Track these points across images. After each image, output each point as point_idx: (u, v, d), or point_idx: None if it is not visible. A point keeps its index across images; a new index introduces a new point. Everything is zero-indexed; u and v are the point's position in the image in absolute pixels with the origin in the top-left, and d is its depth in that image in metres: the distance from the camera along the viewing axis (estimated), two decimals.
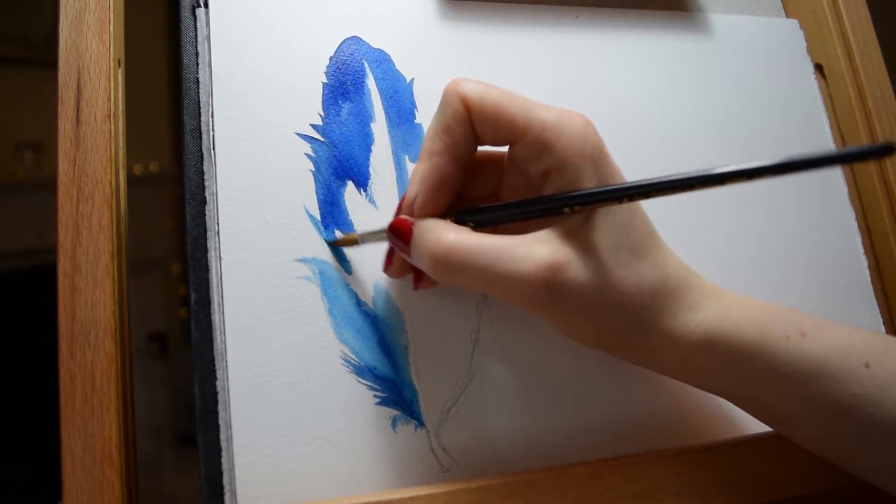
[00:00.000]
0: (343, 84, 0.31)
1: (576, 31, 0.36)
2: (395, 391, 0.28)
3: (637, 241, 0.26)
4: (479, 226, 0.26)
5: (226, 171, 0.29)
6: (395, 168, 0.31)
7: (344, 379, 0.28)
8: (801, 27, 0.42)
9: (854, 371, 0.24)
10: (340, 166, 0.30)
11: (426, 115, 0.32)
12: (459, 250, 0.25)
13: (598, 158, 0.25)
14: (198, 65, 0.30)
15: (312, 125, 0.30)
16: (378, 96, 0.32)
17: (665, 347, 0.26)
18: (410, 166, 0.31)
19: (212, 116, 0.29)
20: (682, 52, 0.38)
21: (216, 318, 0.27)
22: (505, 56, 0.35)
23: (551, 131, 0.25)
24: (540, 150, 0.25)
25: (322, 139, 0.30)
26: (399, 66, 0.33)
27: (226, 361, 0.27)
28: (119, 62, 0.30)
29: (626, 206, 0.26)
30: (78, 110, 0.28)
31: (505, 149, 0.28)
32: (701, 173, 0.22)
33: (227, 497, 0.25)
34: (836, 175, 0.39)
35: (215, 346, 0.27)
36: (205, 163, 0.29)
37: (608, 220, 0.25)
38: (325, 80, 0.31)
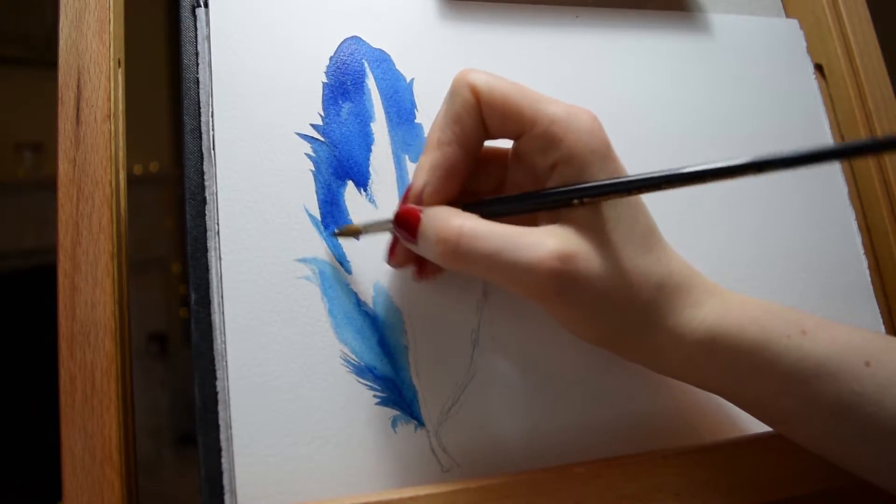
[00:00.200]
0: (343, 84, 0.31)
1: (576, 31, 0.36)
2: (395, 391, 0.28)
3: (641, 237, 0.26)
4: (487, 218, 0.26)
5: (226, 171, 0.29)
6: (396, 168, 0.31)
7: (344, 379, 0.28)
8: (801, 27, 0.42)
9: (854, 370, 0.24)
10: (340, 166, 0.30)
11: (426, 114, 0.32)
12: (470, 235, 0.24)
13: (604, 153, 0.25)
14: (198, 65, 0.30)
15: (312, 125, 0.30)
16: (378, 96, 0.32)
17: (667, 345, 0.26)
18: (411, 166, 0.31)
19: (212, 116, 0.29)
20: (682, 52, 0.38)
21: (216, 318, 0.27)
22: (505, 56, 0.35)
23: (559, 125, 0.25)
24: (547, 144, 0.25)
25: (322, 139, 0.30)
26: (399, 66, 0.33)
27: (226, 361, 0.27)
28: (119, 62, 0.30)
29: (631, 203, 0.26)
30: (78, 110, 0.28)
31: (508, 145, 0.28)
32: (712, 166, 0.23)
33: (227, 497, 0.25)
34: (836, 175, 0.39)
35: (215, 346, 0.27)
36: (205, 163, 0.29)
37: (614, 216, 0.25)
38: (325, 80, 0.31)
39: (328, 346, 0.28)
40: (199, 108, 0.29)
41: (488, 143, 0.28)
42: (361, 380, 0.28)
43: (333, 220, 0.30)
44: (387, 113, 0.32)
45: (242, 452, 0.26)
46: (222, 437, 0.26)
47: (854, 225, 0.39)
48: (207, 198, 0.28)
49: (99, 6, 0.29)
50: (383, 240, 0.30)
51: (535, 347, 0.31)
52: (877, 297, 0.38)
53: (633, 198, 0.26)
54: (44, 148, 1.73)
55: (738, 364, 0.26)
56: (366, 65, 0.32)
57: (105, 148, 0.28)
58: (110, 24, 0.30)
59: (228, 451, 0.26)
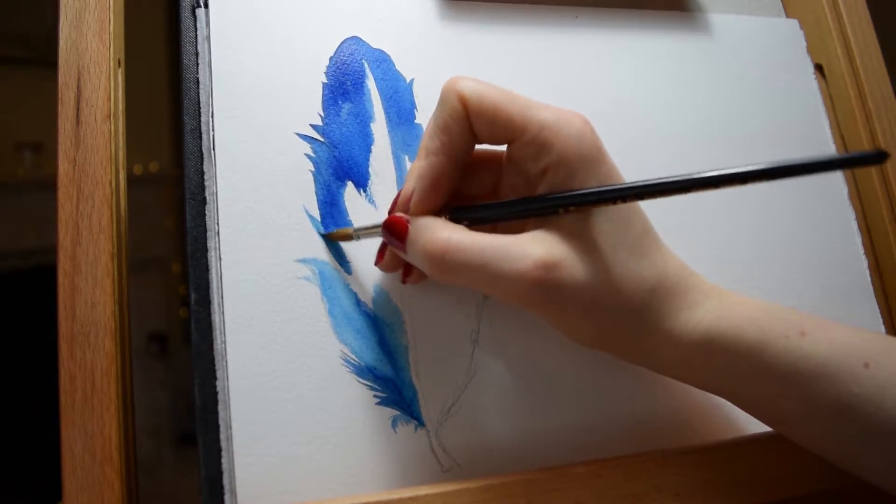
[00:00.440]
0: (343, 84, 0.31)
1: (576, 31, 0.36)
2: (395, 391, 0.28)
3: (635, 240, 0.26)
4: (475, 224, 0.26)
5: (226, 171, 0.29)
6: (395, 168, 0.31)
7: (344, 379, 0.28)
8: (801, 27, 0.42)
9: (853, 371, 0.24)
10: (340, 167, 0.30)
11: (426, 115, 0.32)
12: (455, 249, 0.25)
13: (595, 158, 0.25)
14: (198, 65, 0.30)
15: (312, 125, 0.30)
16: (378, 96, 0.32)
17: (664, 347, 0.26)
18: (408, 170, 0.31)
19: (212, 116, 0.29)
20: (682, 52, 0.38)
21: (216, 318, 0.27)
22: (505, 56, 0.35)
23: (549, 130, 0.25)
24: (538, 150, 0.25)
25: (322, 139, 0.30)
26: (399, 67, 0.33)
27: (226, 361, 0.27)
28: (119, 62, 0.30)
29: (624, 207, 0.26)
30: (78, 110, 0.28)
31: (504, 148, 0.28)
32: (696, 176, 0.23)
33: (227, 497, 0.25)
34: (835, 175, 0.39)
35: (215, 346, 0.27)
36: (205, 163, 0.29)
37: (606, 220, 0.25)
38: (324, 81, 0.31)
39: (328, 346, 0.28)
40: (199, 108, 0.29)
41: (482, 147, 0.28)
42: (361, 380, 0.28)
43: (333, 221, 0.30)
44: (386, 113, 0.32)
45: (242, 452, 0.26)
46: (222, 437, 0.26)
47: (854, 225, 0.39)
48: (207, 198, 0.28)
49: (99, 6, 0.29)
50: (381, 240, 0.30)
51: (535, 348, 0.31)
52: (877, 297, 0.38)
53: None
54: (44, 148, 1.73)
55: (736, 365, 0.26)
56: (366, 65, 0.32)
57: (105, 148, 0.28)
58: (110, 24, 0.30)
59: (228, 451, 0.26)
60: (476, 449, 0.29)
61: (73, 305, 0.26)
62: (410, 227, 0.26)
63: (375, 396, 0.28)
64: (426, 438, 0.28)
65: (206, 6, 0.30)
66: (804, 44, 0.41)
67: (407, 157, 0.31)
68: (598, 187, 0.25)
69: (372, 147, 0.31)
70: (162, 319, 1.80)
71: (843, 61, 0.41)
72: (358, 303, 0.29)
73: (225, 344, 0.27)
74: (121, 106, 0.30)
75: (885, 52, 0.41)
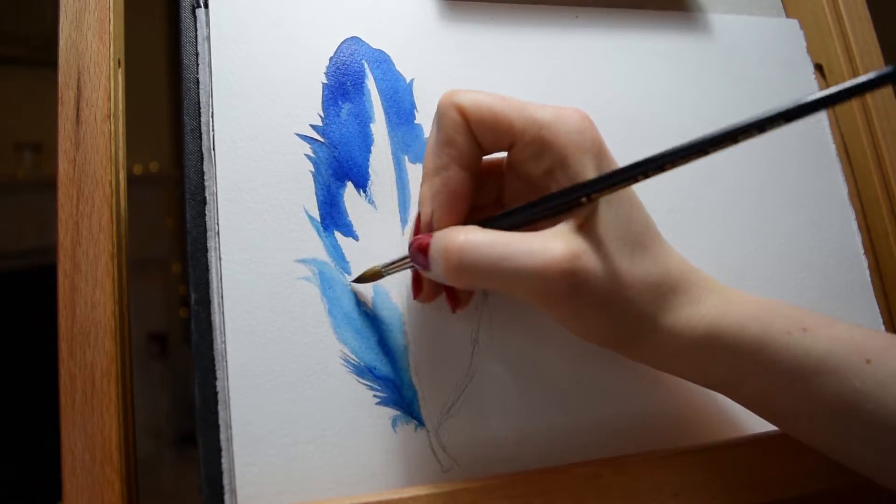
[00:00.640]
0: (343, 84, 0.31)
1: (576, 31, 0.36)
2: (395, 391, 0.28)
3: (638, 235, 0.26)
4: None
5: (226, 171, 0.29)
6: (395, 169, 0.31)
7: (344, 379, 0.28)
8: (801, 27, 0.42)
9: (855, 367, 0.24)
10: (340, 167, 0.30)
11: (426, 115, 0.32)
12: (472, 247, 0.24)
13: (597, 151, 0.25)
14: (198, 65, 0.30)
15: (312, 126, 0.30)
16: (378, 97, 0.32)
17: (667, 342, 0.26)
18: (410, 167, 0.31)
19: (212, 116, 0.29)
20: (682, 52, 0.38)
21: (216, 318, 0.27)
22: (505, 56, 0.35)
23: (549, 129, 0.25)
24: (539, 149, 0.25)
25: (322, 140, 0.30)
26: (399, 67, 0.33)
27: (226, 361, 0.27)
28: (119, 62, 0.30)
29: (626, 202, 0.26)
30: (78, 110, 0.28)
31: (502, 156, 0.28)
32: (714, 134, 0.22)
33: (227, 497, 0.25)
34: (836, 175, 0.39)
35: (215, 346, 0.27)
36: (205, 163, 0.29)
37: (611, 215, 0.25)
38: (324, 81, 0.31)
39: (328, 346, 0.28)
40: (199, 108, 0.29)
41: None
42: (361, 380, 0.28)
43: (333, 221, 0.30)
44: (386, 114, 0.32)
45: (242, 452, 0.26)
46: (222, 437, 0.26)
47: (854, 225, 0.39)
48: (207, 198, 0.28)
49: (99, 6, 0.29)
50: (381, 240, 0.30)
51: (535, 348, 0.31)
52: (877, 297, 0.38)
53: (628, 198, 0.26)
54: (44, 148, 1.73)
55: (738, 361, 0.26)
56: (365, 65, 0.32)
57: (105, 148, 0.28)
58: (110, 24, 0.30)
59: (228, 451, 0.26)
60: (476, 449, 0.29)
61: (73, 305, 0.26)
62: (431, 240, 0.26)
63: (375, 396, 0.28)
64: (426, 438, 0.28)
65: (206, 6, 0.30)
66: (804, 44, 0.41)
67: (407, 158, 0.31)
68: (620, 167, 0.24)
69: (372, 147, 0.31)
70: (162, 319, 1.80)
71: (843, 61, 0.41)
72: (358, 303, 0.29)
73: (225, 344, 0.27)
74: (121, 106, 0.30)
75: (885, 52, 0.41)
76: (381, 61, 0.32)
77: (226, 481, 0.25)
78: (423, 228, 0.27)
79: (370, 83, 0.32)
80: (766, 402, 0.27)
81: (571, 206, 0.25)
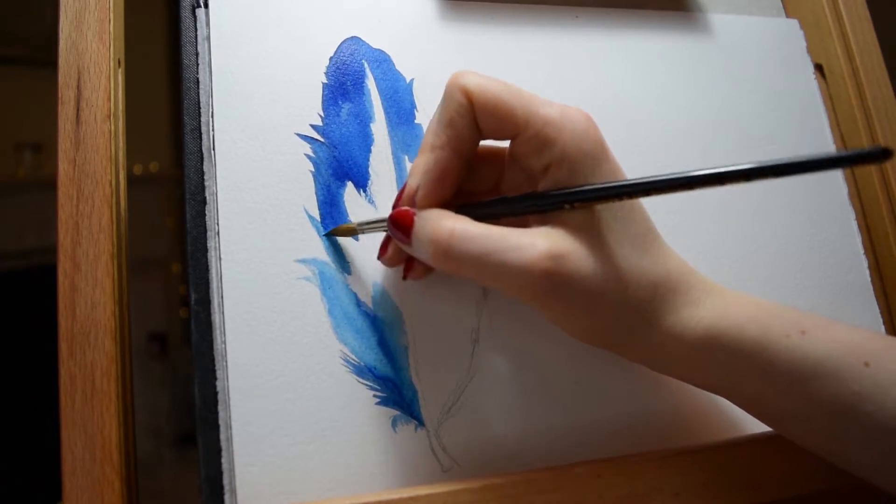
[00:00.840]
0: (343, 84, 0.31)
1: (576, 31, 0.36)
2: (395, 391, 0.28)
3: (637, 236, 0.26)
4: (480, 220, 0.26)
5: (226, 171, 0.29)
6: (395, 169, 0.31)
7: (344, 379, 0.28)
8: (801, 27, 0.42)
9: (854, 370, 0.24)
10: (340, 167, 0.30)
11: (426, 115, 0.32)
12: (460, 237, 0.25)
13: (598, 155, 0.25)
14: (198, 65, 0.30)
15: (312, 125, 0.30)
16: (378, 97, 0.32)
17: (665, 344, 0.26)
18: (410, 167, 0.31)
19: (212, 116, 0.29)
20: (682, 52, 0.38)
21: (216, 318, 0.27)
22: (504, 56, 0.35)
23: (552, 127, 0.25)
24: (541, 146, 0.25)
25: (322, 140, 0.30)
26: (399, 67, 0.33)
27: (226, 361, 0.27)
28: (119, 62, 0.30)
29: (627, 203, 0.26)
30: (78, 110, 0.28)
31: (506, 144, 0.28)
32: (701, 173, 0.23)
33: (227, 497, 0.25)
34: (835, 175, 0.39)
35: (215, 346, 0.27)
36: (205, 163, 0.29)
37: (609, 215, 0.25)
38: (324, 81, 0.31)
39: (328, 346, 0.28)
40: (199, 108, 0.29)
41: (484, 143, 0.28)
42: (361, 380, 0.28)
43: (333, 221, 0.30)
44: (386, 113, 0.32)
45: (242, 452, 0.26)
46: (222, 437, 0.26)
47: (854, 225, 0.39)
48: (207, 198, 0.28)
49: (99, 6, 0.29)
50: (381, 240, 0.30)
51: (535, 347, 0.31)
52: (877, 297, 0.38)
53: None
54: (44, 148, 1.73)
55: (736, 363, 0.26)
56: (365, 65, 0.32)
57: (105, 148, 0.28)
58: (110, 24, 0.30)
59: (228, 451, 0.26)
60: (476, 449, 0.29)
61: (73, 305, 0.26)
62: (416, 218, 0.26)
63: (375, 396, 0.28)
64: (426, 438, 0.28)
65: (206, 6, 0.30)
66: (804, 44, 0.41)
67: (407, 158, 0.31)
68: (606, 183, 0.25)
69: (372, 147, 0.31)
70: (162, 319, 1.80)
71: (843, 61, 0.41)
72: (358, 303, 0.29)
73: (225, 344, 0.27)
74: (121, 106, 0.30)
75: (885, 52, 0.41)
76: (381, 61, 0.32)
77: (226, 481, 0.25)
78: (406, 200, 0.27)
79: (370, 83, 0.32)
80: (763, 404, 0.27)
81: (553, 209, 0.25)
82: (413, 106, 0.32)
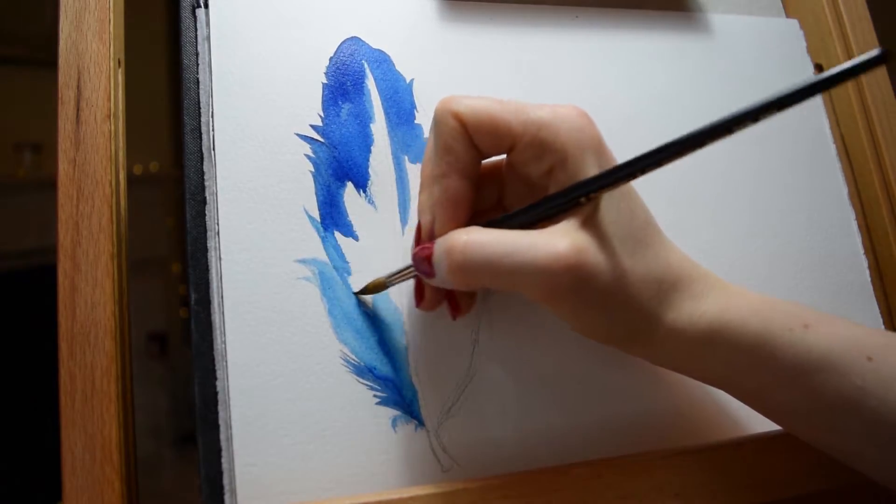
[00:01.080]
0: (343, 85, 0.31)
1: (576, 31, 0.36)
2: (395, 391, 0.28)
3: (639, 231, 0.26)
4: None
5: (226, 171, 0.29)
6: (395, 169, 0.31)
7: (344, 379, 0.28)
8: (801, 27, 0.42)
9: (857, 364, 0.24)
10: (340, 167, 0.30)
11: (426, 115, 0.32)
12: (475, 244, 0.24)
13: (597, 148, 0.25)
14: (198, 65, 0.30)
15: (312, 126, 0.30)
16: (378, 97, 0.32)
17: (668, 338, 0.26)
18: (410, 167, 0.31)
19: (212, 116, 0.29)
20: (681, 52, 0.38)
21: (216, 318, 0.27)
22: (504, 56, 0.35)
23: (548, 129, 0.25)
24: (539, 150, 0.25)
25: (322, 140, 0.30)
26: (399, 67, 0.33)
27: (226, 361, 0.27)
28: (119, 62, 0.30)
29: (627, 198, 0.26)
30: (78, 110, 0.28)
31: (501, 159, 0.28)
32: (709, 126, 0.22)
33: (227, 497, 0.25)
34: (836, 175, 0.39)
35: (215, 346, 0.27)
36: (205, 163, 0.29)
37: (612, 211, 0.25)
38: (324, 81, 0.31)
39: (328, 346, 0.28)
40: (199, 108, 0.29)
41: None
42: (361, 380, 0.28)
43: (333, 222, 0.30)
44: (386, 114, 0.32)
45: (242, 452, 0.26)
46: (222, 437, 0.26)
47: (854, 225, 0.39)
48: (207, 198, 0.28)
49: (99, 6, 0.29)
50: (381, 240, 0.30)
51: (535, 347, 0.31)
52: (877, 297, 0.38)
53: (629, 193, 0.26)
54: (44, 148, 1.73)
55: (739, 357, 0.26)
56: (365, 65, 0.32)
57: (105, 148, 0.28)
58: (110, 24, 0.30)
59: (228, 451, 0.26)
60: (476, 449, 0.29)
61: (73, 305, 0.26)
62: (434, 246, 0.26)
63: (375, 396, 0.28)
64: (426, 438, 0.28)
65: (206, 6, 0.30)
66: (804, 44, 0.41)
67: (407, 158, 0.31)
68: (619, 163, 0.24)
69: (372, 147, 0.31)
70: (162, 319, 1.80)
71: (843, 61, 0.41)
72: (358, 303, 0.29)
73: (225, 344, 0.27)
74: (121, 106, 0.30)
75: None
76: (381, 61, 0.32)
77: (226, 481, 0.25)
78: (424, 236, 0.27)
79: (370, 83, 0.32)
80: (766, 398, 0.27)
81: (571, 206, 0.25)
82: (413, 106, 0.32)
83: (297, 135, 0.30)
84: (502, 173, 0.29)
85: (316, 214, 0.29)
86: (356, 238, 0.30)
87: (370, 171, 0.31)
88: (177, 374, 1.75)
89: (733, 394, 0.28)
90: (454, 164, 0.26)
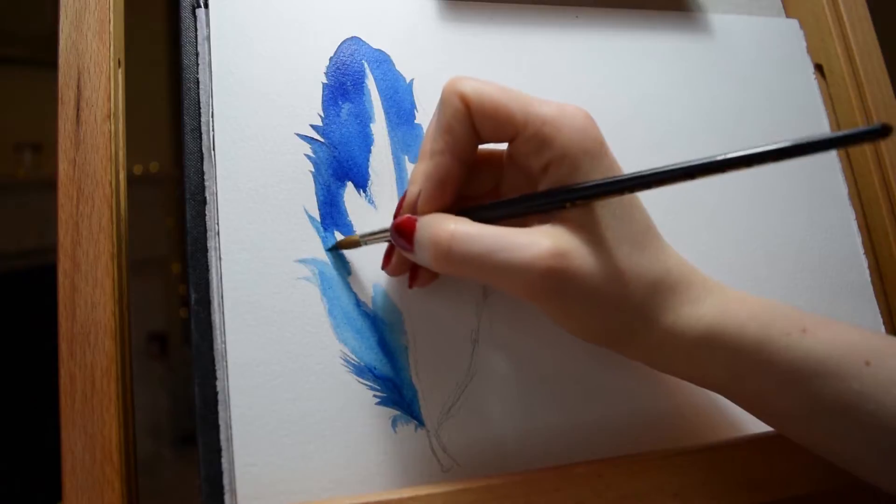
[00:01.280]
0: (343, 84, 0.31)
1: (576, 31, 0.36)
2: (395, 391, 0.28)
3: (637, 234, 0.26)
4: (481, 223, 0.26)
5: (226, 171, 0.29)
6: (395, 169, 0.31)
7: (344, 379, 0.28)
8: (801, 27, 0.42)
9: (855, 368, 0.24)
10: (340, 167, 0.30)
11: (426, 115, 0.32)
12: (462, 237, 0.25)
13: (597, 152, 0.25)
14: (198, 65, 0.30)
15: (312, 126, 0.30)
16: (378, 97, 0.32)
17: (665, 342, 0.26)
18: (410, 167, 0.31)
19: (212, 116, 0.29)
20: (682, 52, 0.38)
21: (216, 318, 0.27)
22: (504, 56, 0.35)
23: (551, 125, 0.25)
24: (540, 145, 0.25)
25: (322, 140, 0.30)
26: (399, 67, 0.33)
27: (226, 361, 0.27)
28: (119, 62, 0.30)
29: (626, 201, 0.26)
30: (78, 110, 0.28)
31: (504, 146, 0.28)
32: (702, 161, 0.22)
33: (227, 497, 0.25)
34: (836, 175, 0.39)
35: (215, 346, 0.27)
36: (205, 163, 0.29)
37: (608, 214, 0.25)
38: (324, 81, 0.31)
39: (328, 346, 0.28)
40: (199, 108, 0.29)
41: (483, 146, 0.28)
42: (361, 380, 0.28)
43: (333, 221, 0.30)
44: (386, 114, 0.32)
45: (242, 452, 0.26)
46: (222, 437, 0.26)
47: (854, 225, 0.39)
48: (207, 198, 0.28)
49: (99, 6, 0.29)
50: (385, 240, 0.30)
51: (535, 347, 0.31)
52: (877, 297, 0.38)
53: (628, 196, 0.26)
54: (44, 148, 1.73)
55: (737, 361, 0.26)
56: (365, 65, 0.32)
57: (105, 148, 0.28)
58: (110, 24, 0.30)
59: (228, 451, 0.26)
60: (476, 449, 0.29)
61: (73, 305, 0.26)
62: (418, 224, 0.26)
63: (375, 396, 0.28)
64: (426, 438, 0.28)
65: (206, 6, 0.30)
66: (804, 44, 0.41)
67: (407, 158, 0.31)
68: (606, 179, 0.25)
69: (372, 147, 0.31)
70: (162, 319, 1.80)
71: (843, 61, 0.41)
72: (358, 303, 0.29)
73: (225, 344, 0.27)
74: (121, 106, 0.30)
75: (885, 52, 0.41)
76: (381, 61, 0.32)
77: (226, 481, 0.25)
78: (407, 207, 0.27)
79: (370, 83, 0.32)
80: (764, 402, 0.27)
81: (555, 208, 0.25)
82: (413, 106, 0.32)
83: (297, 135, 0.30)
84: (503, 162, 0.29)
85: (316, 214, 0.29)
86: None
87: (370, 171, 0.31)
88: (177, 374, 1.75)
89: (731, 398, 0.28)
90: (451, 143, 0.26)
